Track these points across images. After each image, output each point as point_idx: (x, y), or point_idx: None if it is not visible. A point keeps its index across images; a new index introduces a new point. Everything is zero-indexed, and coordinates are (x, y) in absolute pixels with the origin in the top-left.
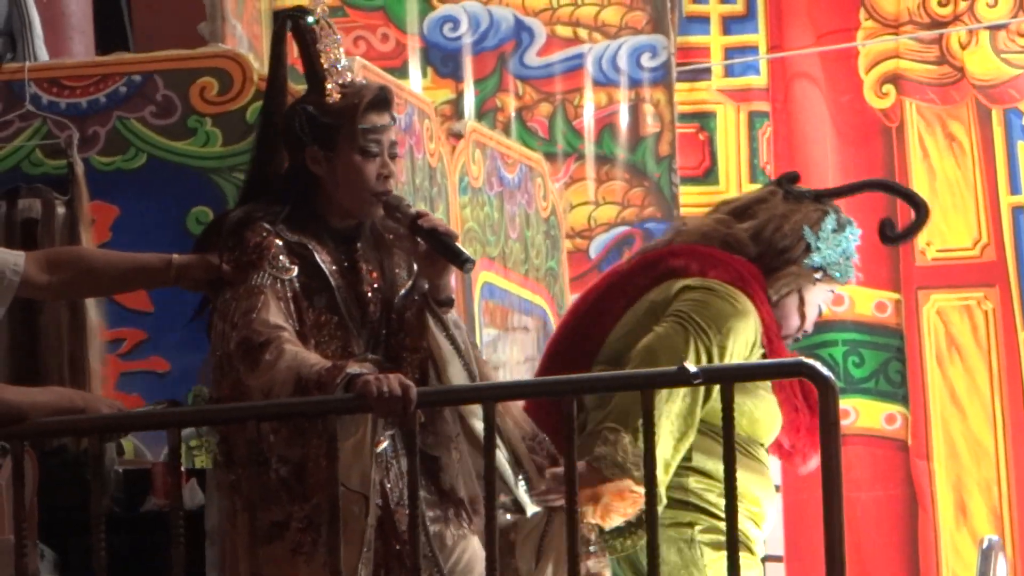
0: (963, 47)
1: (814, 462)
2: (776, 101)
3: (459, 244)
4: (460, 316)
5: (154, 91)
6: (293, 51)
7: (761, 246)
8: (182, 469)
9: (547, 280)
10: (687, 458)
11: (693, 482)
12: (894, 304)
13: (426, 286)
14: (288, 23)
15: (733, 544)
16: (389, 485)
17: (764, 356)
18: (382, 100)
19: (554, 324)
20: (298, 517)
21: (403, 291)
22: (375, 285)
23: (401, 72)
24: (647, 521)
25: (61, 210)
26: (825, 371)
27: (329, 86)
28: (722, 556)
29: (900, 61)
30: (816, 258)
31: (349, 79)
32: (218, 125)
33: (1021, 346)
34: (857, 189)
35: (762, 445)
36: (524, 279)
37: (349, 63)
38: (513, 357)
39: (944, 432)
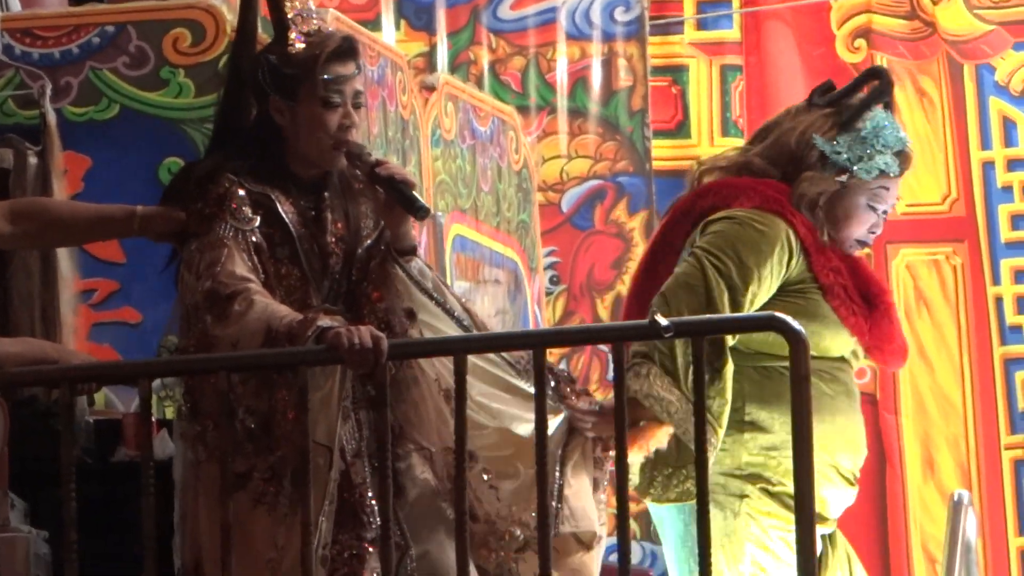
0: (935, 2)
1: (896, 361)
2: (749, 55)
3: (416, 193)
4: (432, 268)
5: (127, 42)
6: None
7: (780, 165)
8: (153, 419)
9: (519, 233)
10: (736, 409)
11: (748, 443)
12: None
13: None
14: None
15: (703, 497)
16: (346, 437)
17: (808, 265)
18: (345, 50)
19: (525, 276)
20: (262, 468)
21: (369, 241)
22: (338, 236)
23: (374, 24)
24: (617, 473)
25: (33, 160)
26: (796, 324)
27: (292, 35)
28: (770, 527)
29: (872, 15)
30: (837, 160)
31: (315, 27)
32: (191, 76)
33: (989, 301)
34: (860, 83)
35: (843, 359)
36: (496, 232)
37: (319, 13)
38: (484, 309)
39: (912, 387)
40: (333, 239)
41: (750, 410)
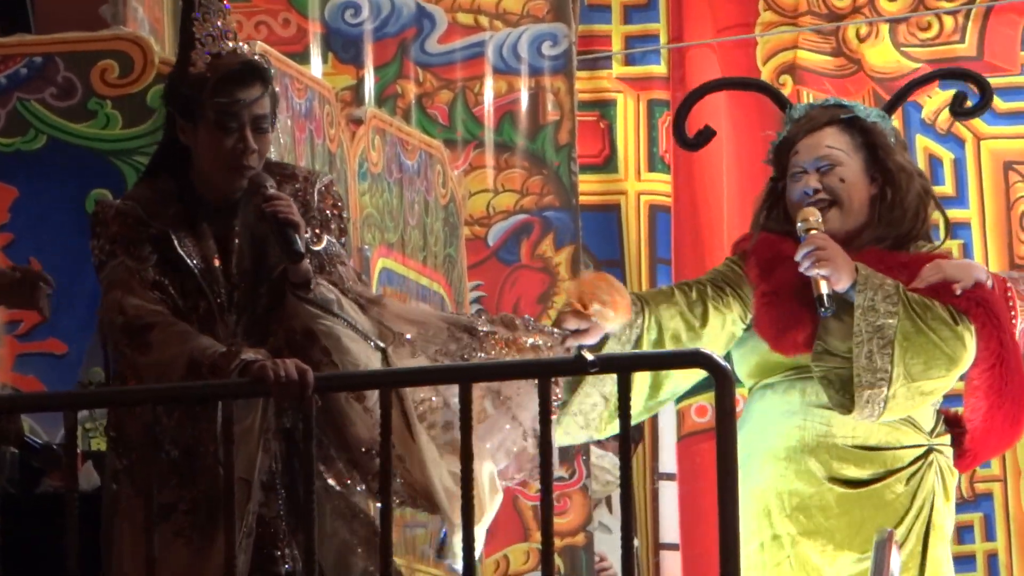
0: (861, 40)
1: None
2: (675, 90)
3: (297, 234)
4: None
5: (55, 73)
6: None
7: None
8: (78, 451)
9: (445, 267)
10: None
11: None
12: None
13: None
14: None
15: (627, 532)
16: (257, 465)
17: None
18: (245, 73)
19: (451, 310)
20: (185, 500)
21: (280, 269)
22: (243, 269)
23: (302, 57)
24: (542, 509)
25: None
26: (722, 362)
27: (195, 55)
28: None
29: (798, 52)
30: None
31: (229, 48)
32: (118, 108)
33: None
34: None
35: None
36: (422, 266)
37: (251, 45)
38: None
39: None
40: (238, 270)
41: None
